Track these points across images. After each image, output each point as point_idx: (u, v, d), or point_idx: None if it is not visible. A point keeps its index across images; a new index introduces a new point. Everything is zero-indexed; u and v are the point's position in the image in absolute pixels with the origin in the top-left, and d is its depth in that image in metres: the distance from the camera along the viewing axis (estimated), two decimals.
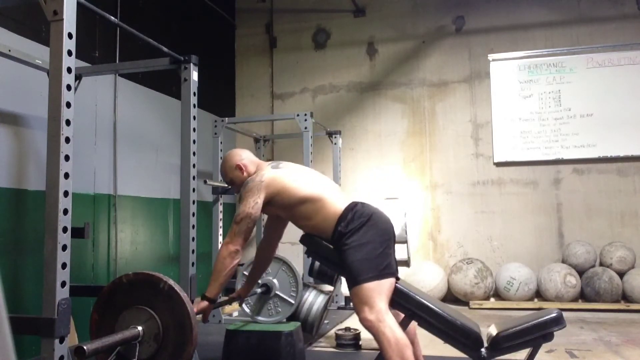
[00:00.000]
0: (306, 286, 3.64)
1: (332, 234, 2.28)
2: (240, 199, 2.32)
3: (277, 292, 3.51)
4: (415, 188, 5.95)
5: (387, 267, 2.20)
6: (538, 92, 5.66)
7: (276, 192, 2.33)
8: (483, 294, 5.21)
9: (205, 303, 2.35)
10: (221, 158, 4.62)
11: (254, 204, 2.28)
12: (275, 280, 3.52)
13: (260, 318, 3.51)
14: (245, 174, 2.49)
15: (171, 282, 2.01)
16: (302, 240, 2.45)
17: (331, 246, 2.32)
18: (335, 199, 2.34)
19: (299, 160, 4.80)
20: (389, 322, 2.09)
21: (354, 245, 2.21)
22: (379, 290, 2.14)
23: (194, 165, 2.84)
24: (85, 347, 1.74)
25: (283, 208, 2.37)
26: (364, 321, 2.14)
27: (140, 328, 1.96)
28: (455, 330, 2.18)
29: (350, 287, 2.21)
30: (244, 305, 3.52)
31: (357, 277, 2.16)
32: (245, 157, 2.53)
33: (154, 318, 1.96)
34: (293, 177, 2.38)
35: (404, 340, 2.08)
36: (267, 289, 3.49)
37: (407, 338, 2.12)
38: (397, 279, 2.26)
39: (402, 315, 2.28)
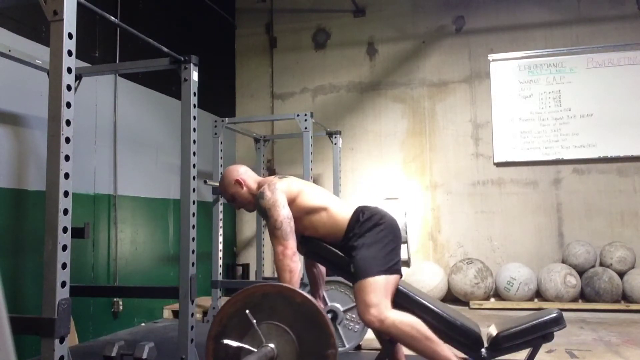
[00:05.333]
0: (306, 286, 3.63)
1: (342, 239, 2.31)
2: (268, 211, 2.26)
3: (345, 320, 3.24)
4: (415, 188, 5.95)
5: (395, 264, 2.22)
6: (538, 92, 5.66)
7: (292, 198, 2.33)
8: (483, 294, 5.21)
9: None
10: (221, 158, 4.64)
11: (282, 207, 2.26)
12: (339, 306, 3.22)
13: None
14: (244, 188, 2.47)
15: (315, 302, 1.87)
16: (302, 241, 2.46)
17: (333, 248, 2.34)
18: (340, 207, 2.38)
19: (299, 161, 4.82)
20: (391, 317, 2.09)
21: (366, 243, 2.23)
22: (383, 286, 2.14)
23: (194, 165, 2.84)
24: None
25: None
26: (365, 315, 2.12)
27: (272, 346, 1.82)
28: (455, 331, 2.18)
29: (355, 281, 2.20)
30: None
31: (365, 271, 2.17)
32: (242, 172, 2.51)
33: (293, 343, 1.82)
34: (302, 187, 2.40)
35: (410, 320, 2.08)
36: (334, 315, 3.18)
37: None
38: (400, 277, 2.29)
39: None
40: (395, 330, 2.08)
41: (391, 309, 2.13)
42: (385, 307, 2.11)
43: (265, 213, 2.29)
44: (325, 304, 2.97)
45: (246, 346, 1.83)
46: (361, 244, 2.23)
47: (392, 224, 2.32)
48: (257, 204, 2.33)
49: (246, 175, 2.50)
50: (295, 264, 2.18)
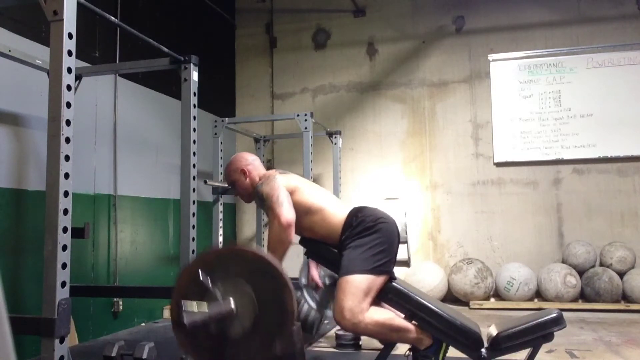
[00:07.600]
0: (306, 286, 3.62)
1: (338, 241, 2.33)
2: (266, 195, 2.29)
3: None
4: (415, 188, 5.94)
5: (383, 265, 2.21)
6: (538, 92, 5.66)
7: (291, 192, 2.34)
8: (483, 294, 5.21)
9: None
10: (221, 158, 4.64)
11: (281, 189, 2.27)
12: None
13: (329, 312, 3.33)
14: (247, 179, 2.49)
15: (274, 262, 1.86)
16: (302, 242, 2.47)
17: (333, 249, 2.35)
18: (335, 209, 2.38)
19: (299, 161, 4.82)
20: (364, 321, 2.14)
21: (354, 245, 2.25)
22: (362, 287, 2.15)
23: (194, 165, 2.84)
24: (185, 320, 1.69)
25: None
26: (338, 317, 2.17)
27: (232, 302, 1.81)
28: (455, 330, 2.18)
29: (338, 277, 2.23)
30: (306, 296, 3.34)
31: (347, 269, 2.19)
32: (251, 162, 2.53)
33: (250, 295, 1.81)
34: (300, 185, 2.41)
35: (382, 319, 2.16)
36: (334, 281, 3.28)
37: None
38: (393, 279, 2.28)
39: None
40: (366, 331, 2.19)
41: (366, 312, 2.15)
42: (360, 311, 2.13)
43: (263, 198, 2.31)
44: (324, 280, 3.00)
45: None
46: (350, 246, 2.25)
47: (386, 226, 2.31)
48: (256, 192, 2.37)
49: (252, 166, 2.52)
50: (287, 234, 2.16)
